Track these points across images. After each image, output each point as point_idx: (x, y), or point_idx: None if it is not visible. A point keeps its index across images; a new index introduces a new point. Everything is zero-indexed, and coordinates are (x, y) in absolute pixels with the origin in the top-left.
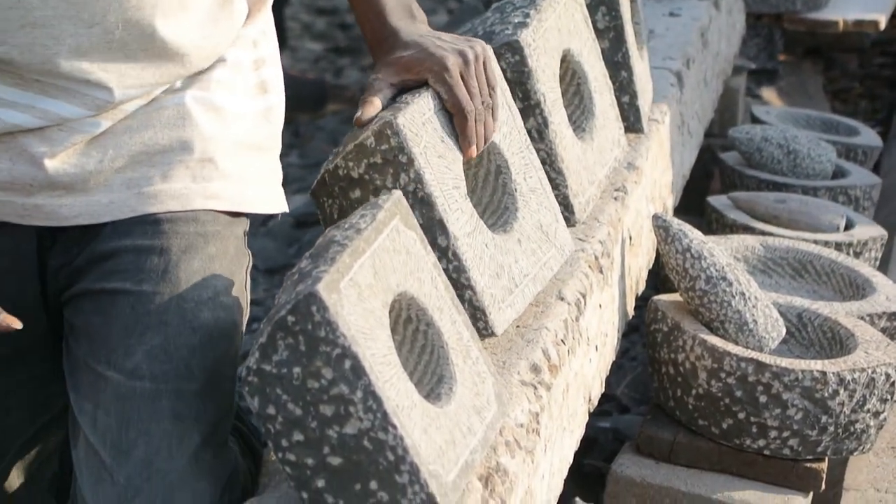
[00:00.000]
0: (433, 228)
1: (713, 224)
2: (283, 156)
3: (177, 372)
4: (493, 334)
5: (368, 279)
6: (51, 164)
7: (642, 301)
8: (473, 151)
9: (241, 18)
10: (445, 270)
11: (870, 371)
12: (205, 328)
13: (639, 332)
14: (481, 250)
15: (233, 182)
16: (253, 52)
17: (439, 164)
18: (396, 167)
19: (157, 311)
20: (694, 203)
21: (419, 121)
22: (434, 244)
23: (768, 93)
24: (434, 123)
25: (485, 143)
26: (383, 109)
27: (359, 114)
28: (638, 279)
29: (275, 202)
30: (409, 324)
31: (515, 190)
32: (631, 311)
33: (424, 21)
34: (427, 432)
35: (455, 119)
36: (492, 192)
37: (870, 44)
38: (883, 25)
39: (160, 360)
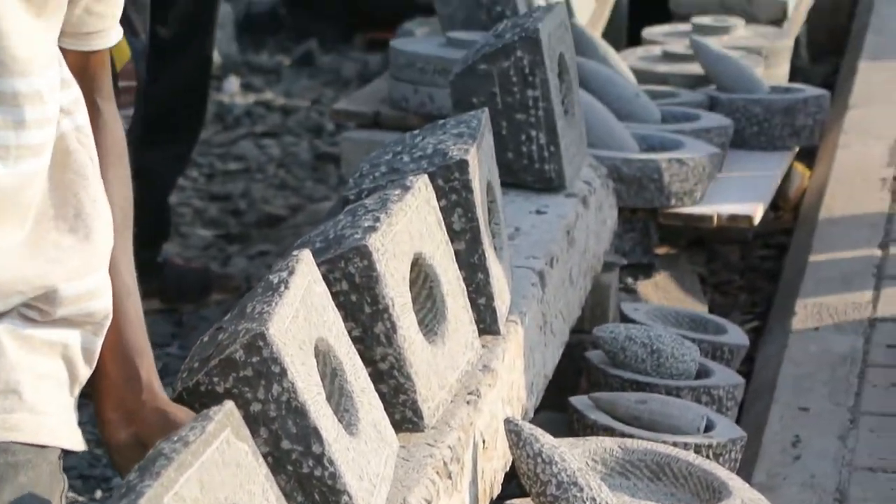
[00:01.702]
0: (308, 437)
1: (574, 425)
2: (164, 345)
3: None
4: None
5: (195, 493)
6: None
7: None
8: None
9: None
10: (320, 478)
11: None
12: None
13: None
14: (346, 454)
15: (35, 414)
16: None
17: (303, 371)
18: (269, 378)
19: None
20: (563, 401)
21: (284, 328)
22: (308, 453)
23: (644, 287)
24: (293, 330)
25: None
26: (242, 318)
27: None
28: (493, 482)
29: (75, 439)
30: None
31: (352, 392)
32: None
33: None
34: None
35: None
36: (329, 395)
37: (752, 236)
38: (757, 220)
39: None
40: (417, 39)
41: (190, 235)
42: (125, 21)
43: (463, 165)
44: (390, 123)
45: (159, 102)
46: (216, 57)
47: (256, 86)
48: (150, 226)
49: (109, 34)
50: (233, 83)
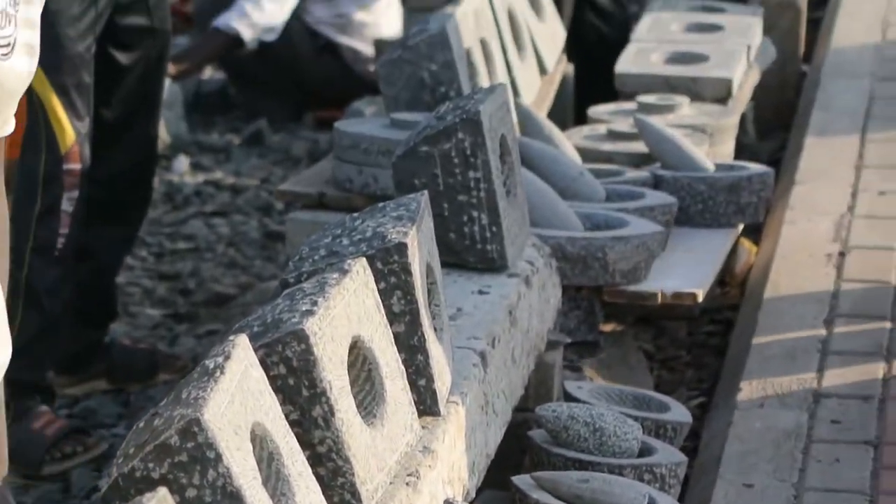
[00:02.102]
0: None
1: None
2: (111, 426)
3: None
4: None
5: None
6: None
7: None
8: None
9: None
10: None
11: None
12: None
13: None
14: None
15: None
16: None
17: (239, 456)
18: (204, 464)
19: None
20: (507, 480)
21: (219, 413)
22: None
23: (589, 365)
24: (228, 415)
25: None
26: (177, 404)
27: None
28: None
29: None
30: None
31: (288, 476)
32: None
33: None
34: None
35: None
36: (265, 479)
37: (699, 312)
38: (701, 298)
39: None
40: (361, 121)
41: (138, 315)
42: (69, 104)
43: (402, 248)
44: (335, 204)
45: (104, 184)
46: (165, 137)
47: (206, 165)
48: (98, 306)
49: (8, 124)
50: (182, 162)
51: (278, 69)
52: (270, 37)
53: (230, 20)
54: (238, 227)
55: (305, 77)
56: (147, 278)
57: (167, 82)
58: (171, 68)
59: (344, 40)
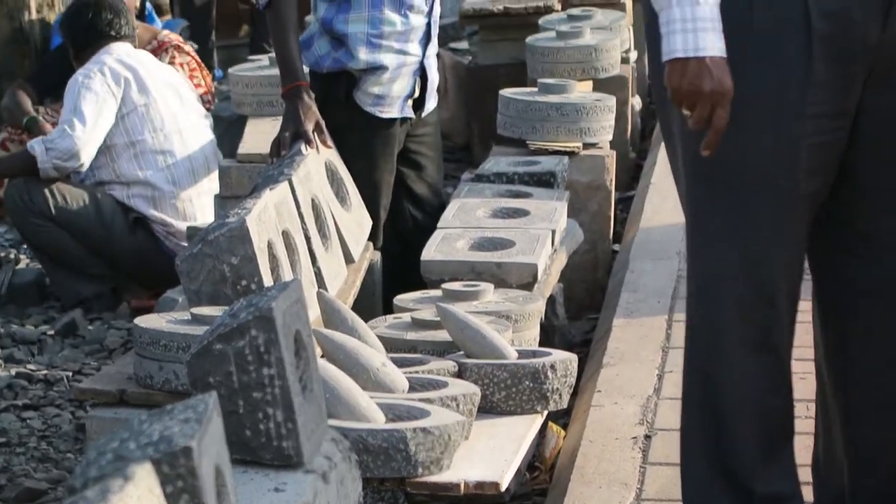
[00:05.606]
0: None
1: None
2: None
3: None
4: None
5: None
6: None
7: None
8: None
9: None
10: None
11: None
12: None
13: None
14: None
15: None
16: None
17: None
18: None
19: None
20: None
21: None
22: None
23: None
24: None
25: None
26: None
27: None
28: None
29: None
30: None
31: None
32: None
33: None
34: None
35: None
36: None
37: (509, 498)
38: (504, 486)
39: None
40: (162, 316)
41: None
42: None
43: (188, 452)
44: (136, 401)
45: None
46: None
47: (18, 358)
48: None
49: None
50: None
51: (92, 247)
52: (72, 163)
53: (35, 142)
54: (51, 420)
55: (119, 255)
56: None
57: None
58: None
59: (154, 214)
